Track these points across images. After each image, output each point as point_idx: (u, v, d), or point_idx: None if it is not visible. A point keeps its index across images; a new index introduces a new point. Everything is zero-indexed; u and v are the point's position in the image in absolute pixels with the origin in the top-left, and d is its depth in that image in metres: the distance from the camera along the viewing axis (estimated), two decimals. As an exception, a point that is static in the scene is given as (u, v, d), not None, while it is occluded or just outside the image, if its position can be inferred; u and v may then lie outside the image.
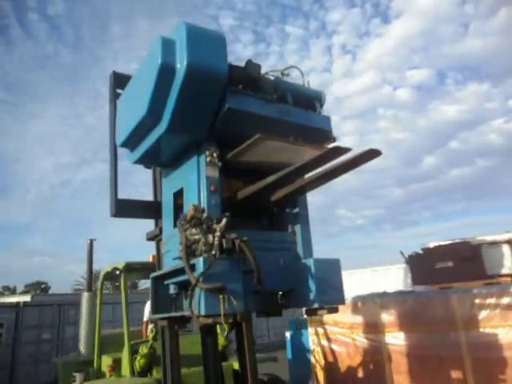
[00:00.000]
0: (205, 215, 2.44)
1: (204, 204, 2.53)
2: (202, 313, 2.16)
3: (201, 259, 2.22)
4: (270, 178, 2.60)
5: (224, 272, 2.24)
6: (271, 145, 2.55)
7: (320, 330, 6.17)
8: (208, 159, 2.61)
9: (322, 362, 6.04)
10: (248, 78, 2.60)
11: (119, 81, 3.39)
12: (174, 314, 2.75)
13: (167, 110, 2.41)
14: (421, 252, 5.93)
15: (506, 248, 5.63)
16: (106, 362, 4.68)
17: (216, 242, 2.26)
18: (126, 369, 4.36)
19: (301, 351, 6.60)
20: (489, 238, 5.87)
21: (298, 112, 2.83)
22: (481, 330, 4.67)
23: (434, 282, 5.47)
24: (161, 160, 3.00)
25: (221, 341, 4.74)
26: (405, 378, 5.07)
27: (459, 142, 73.73)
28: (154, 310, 2.84)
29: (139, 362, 4.31)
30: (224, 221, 2.43)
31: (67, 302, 13.25)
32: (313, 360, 6.20)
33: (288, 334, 7.07)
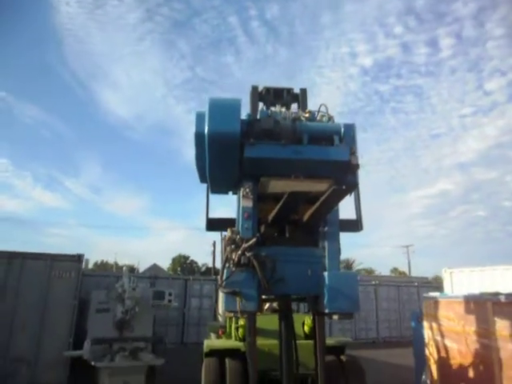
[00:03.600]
0: (238, 237, 3.39)
1: (239, 228, 3.47)
2: (223, 309, 3.15)
3: (225, 271, 3.21)
4: (277, 207, 3.33)
5: (241, 281, 3.16)
6: (281, 182, 3.27)
7: (434, 325, 6.15)
8: (243, 193, 3.50)
9: (436, 355, 6.04)
10: (262, 129, 3.34)
11: None
12: None
13: (207, 165, 3.43)
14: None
15: None
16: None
17: (236, 259, 3.20)
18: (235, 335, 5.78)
19: (420, 343, 6.69)
20: None
21: (312, 149, 3.35)
22: None
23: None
24: (225, 192, 4.04)
25: (309, 323, 5.59)
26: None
27: None
28: None
29: (239, 331, 5.61)
30: (252, 241, 3.33)
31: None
32: (427, 353, 6.25)
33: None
